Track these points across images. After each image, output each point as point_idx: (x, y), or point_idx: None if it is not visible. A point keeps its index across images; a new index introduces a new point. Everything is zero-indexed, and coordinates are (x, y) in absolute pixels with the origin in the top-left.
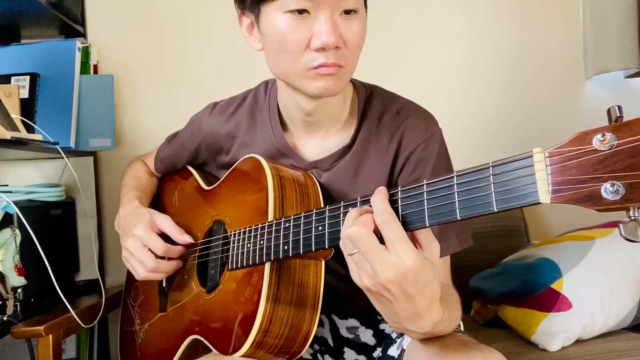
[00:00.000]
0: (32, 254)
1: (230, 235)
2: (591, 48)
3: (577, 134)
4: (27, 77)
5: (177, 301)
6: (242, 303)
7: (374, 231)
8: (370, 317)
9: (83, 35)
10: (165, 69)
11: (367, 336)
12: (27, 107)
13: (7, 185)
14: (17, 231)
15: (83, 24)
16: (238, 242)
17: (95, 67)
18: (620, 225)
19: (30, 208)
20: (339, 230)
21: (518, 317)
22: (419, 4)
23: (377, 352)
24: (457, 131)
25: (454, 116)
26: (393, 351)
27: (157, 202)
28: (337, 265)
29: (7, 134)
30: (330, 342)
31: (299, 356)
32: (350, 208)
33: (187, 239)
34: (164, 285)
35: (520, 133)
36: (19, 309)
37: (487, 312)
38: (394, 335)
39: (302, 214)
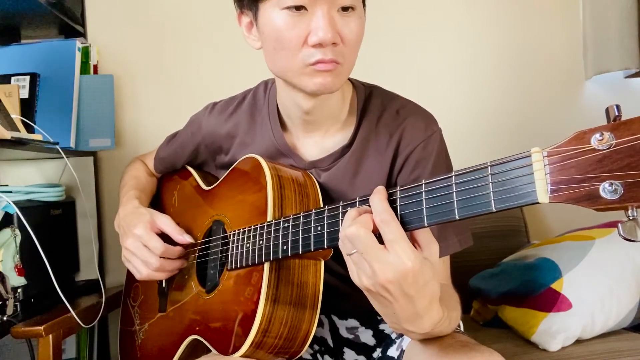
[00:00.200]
0: (32, 254)
1: (230, 235)
2: (591, 48)
3: (575, 133)
4: (27, 77)
5: (176, 301)
6: (242, 303)
7: (373, 231)
8: (370, 318)
9: (83, 35)
10: (165, 69)
11: (366, 336)
12: (27, 107)
13: (7, 185)
14: (17, 231)
15: (83, 24)
16: (237, 242)
17: (95, 67)
18: (619, 224)
19: (30, 208)
20: (338, 230)
21: (518, 317)
22: (419, 3)
23: (377, 353)
24: (457, 131)
25: (454, 116)
26: (393, 352)
27: (157, 202)
28: (337, 265)
29: (7, 134)
30: (330, 342)
31: (299, 356)
32: (349, 208)
33: (187, 238)
34: (163, 285)
35: (520, 133)
36: (19, 309)
37: (487, 312)
38: (393, 336)
39: (301, 213)
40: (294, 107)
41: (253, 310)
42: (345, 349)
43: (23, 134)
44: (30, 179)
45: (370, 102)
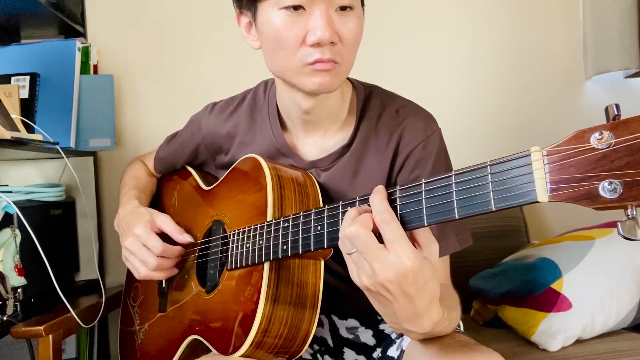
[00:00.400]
0: (32, 254)
1: (230, 235)
2: (591, 48)
3: (574, 132)
4: (27, 77)
5: (176, 301)
6: (242, 303)
7: (373, 230)
8: (370, 317)
9: (83, 35)
10: (165, 69)
11: (366, 336)
12: (27, 107)
13: (7, 185)
14: (17, 231)
15: (83, 24)
16: (237, 242)
17: (95, 67)
18: (619, 223)
19: (30, 208)
20: (338, 230)
21: (518, 317)
22: (419, 3)
23: (377, 353)
24: (457, 131)
25: (454, 116)
26: (393, 352)
27: (157, 202)
28: (337, 265)
29: (7, 134)
30: (330, 342)
31: (299, 356)
32: (349, 207)
33: (186, 238)
34: (163, 285)
35: (520, 133)
36: (19, 309)
37: (487, 312)
38: (393, 336)
39: (301, 213)
40: (294, 106)
41: (253, 310)
42: (345, 349)
43: (23, 134)
44: (30, 179)
45: (370, 102)
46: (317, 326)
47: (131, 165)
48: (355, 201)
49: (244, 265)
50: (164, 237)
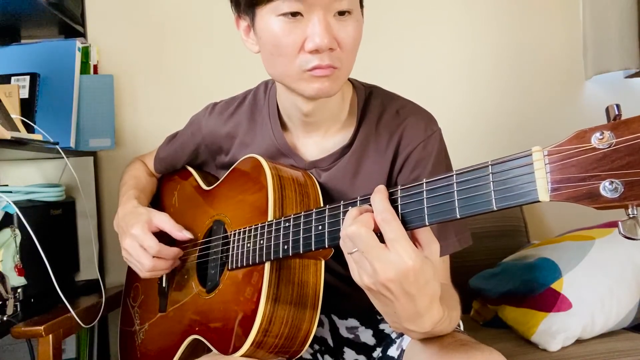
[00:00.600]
0: (32, 254)
1: (230, 235)
2: (591, 48)
3: (575, 132)
4: (27, 77)
5: (177, 301)
6: (242, 303)
7: (374, 230)
8: (370, 317)
9: (83, 35)
10: (165, 69)
11: (366, 336)
12: (27, 107)
13: (7, 185)
14: (17, 231)
15: (83, 24)
16: (238, 241)
17: (95, 67)
18: (620, 223)
19: (30, 208)
20: (339, 230)
21: (518, 317)
22: (419, 3)
23: (377, 352)
24: (456, 131)
25: (454, 116)
26: (393, 351)
27: (157, 203)
28: (337, 265)
29: (7, 134)
30: (330, 342)
31: (299, 356)
32: (350, 207)
33: (186, 234)
34: (163, 285)
35: (520, 133)
36: (19, 309)
37: (487, 312)
38: (393, 336)
39: (302, 213)
40: (294, 109)
41: (253, 310)
42: (345, 349)
43: (23, 134)
44: (30, 179)
45: (370, 103)
46: (317, 326)
47: (131, 165)
48: (357, 201)
49: (244, 265)
50: (165, 236)
